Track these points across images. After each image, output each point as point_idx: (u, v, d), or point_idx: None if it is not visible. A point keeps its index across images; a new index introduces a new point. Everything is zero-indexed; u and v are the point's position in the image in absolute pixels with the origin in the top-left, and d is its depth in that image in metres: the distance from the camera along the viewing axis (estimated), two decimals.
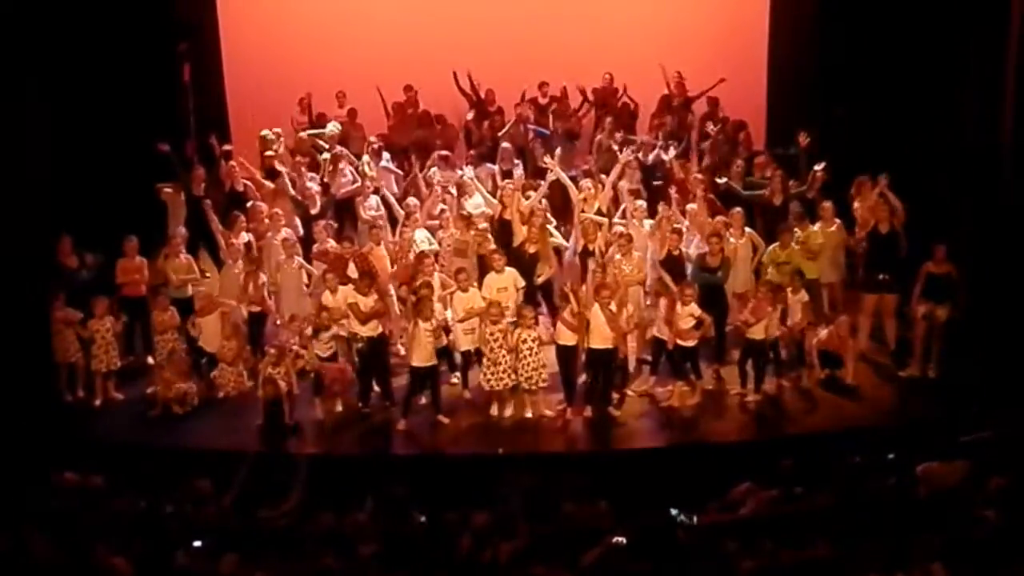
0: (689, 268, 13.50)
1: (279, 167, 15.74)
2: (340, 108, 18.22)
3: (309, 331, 12.94)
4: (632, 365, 13.26)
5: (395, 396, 12.96)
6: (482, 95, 18.31)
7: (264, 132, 16.31)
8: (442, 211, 14.77)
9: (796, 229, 14.08)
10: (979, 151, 13.17)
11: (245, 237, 14.25)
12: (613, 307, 12.39)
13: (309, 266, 14.15)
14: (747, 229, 14.21)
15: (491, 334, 12.56)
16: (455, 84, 18.20)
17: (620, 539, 8.77)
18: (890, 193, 13.72)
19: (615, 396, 12.79)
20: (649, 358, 13.27)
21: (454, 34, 18.95)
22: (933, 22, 14.26)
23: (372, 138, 16.89)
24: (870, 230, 13.68)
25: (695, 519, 9.87)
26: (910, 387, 13.35)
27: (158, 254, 14.21)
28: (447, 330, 12.96)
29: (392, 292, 13.85)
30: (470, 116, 18.21)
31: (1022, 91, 12.46)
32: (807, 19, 17.74)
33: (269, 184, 15.61)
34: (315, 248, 14.34)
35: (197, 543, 9.16)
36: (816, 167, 14.83)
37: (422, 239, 14.02)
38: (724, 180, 15.12)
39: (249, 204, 15.19)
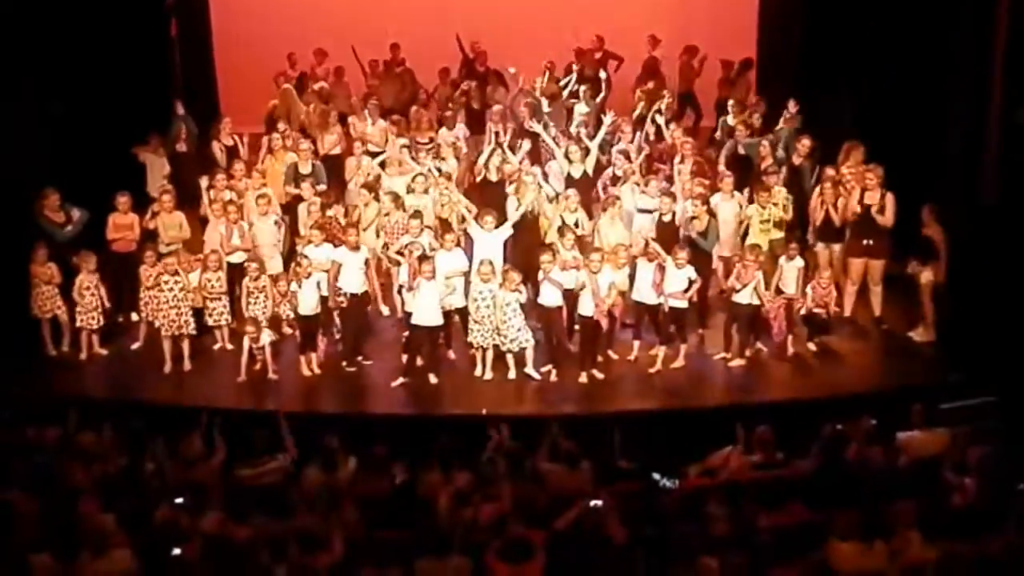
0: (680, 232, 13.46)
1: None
2: (319, 66, 18.15)
3: (293, 287, 12.90)
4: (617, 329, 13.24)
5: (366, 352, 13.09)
6: (470, 55, 18.21)
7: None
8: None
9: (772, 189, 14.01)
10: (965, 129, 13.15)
11: (228, 194, 14.18)
12: (599, 276, 12.44)
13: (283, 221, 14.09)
14: (736, 193, 14.14)
15: (479, 292, 12.57)
16: (458, 46, 18.13)
17: (597, 501, 8.82)
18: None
19: (599, 359, 12.85)
20: (631, 322, 13.27)
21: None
22: (920, 18, 14.18)
23: (374, 100, 16.83)
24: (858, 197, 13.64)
25: (676, 483, 9.95)
26: (893, 354, 13.40)
27: (145, 211, 14.13)
28: None
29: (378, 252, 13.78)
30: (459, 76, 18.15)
31: (1009, 79, 12.43)
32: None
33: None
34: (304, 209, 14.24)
35: (179, 500, 9.19)
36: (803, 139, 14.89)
37: (412, 203, 13.92)
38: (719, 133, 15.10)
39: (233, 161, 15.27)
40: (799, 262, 13.11)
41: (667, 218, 13.44)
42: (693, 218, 13.30)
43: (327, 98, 17.30)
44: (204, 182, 14.37)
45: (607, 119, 15.28)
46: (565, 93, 17.24)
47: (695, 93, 18.82)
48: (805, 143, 14.86)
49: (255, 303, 13.02)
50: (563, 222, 13.37)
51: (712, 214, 13.45)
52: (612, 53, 18.63)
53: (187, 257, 13.42)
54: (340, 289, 12.80)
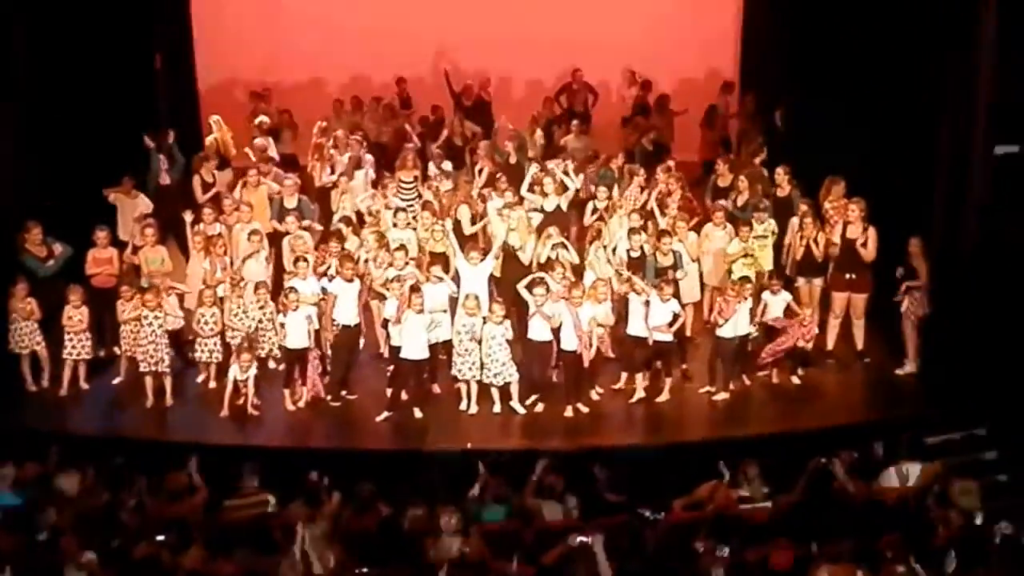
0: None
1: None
2: (269, 105, 18.33)
3: (280, 319, 12.86)
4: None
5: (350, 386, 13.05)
6: (457, 90, 18.32)
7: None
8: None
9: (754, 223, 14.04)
10: (951, 148, 13.22)
11: (216, 228, 14.15)
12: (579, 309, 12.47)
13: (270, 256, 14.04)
14: (727, 224, 14.15)
15: (463, 325, 12.56)
16: (446, 82, 18.25)
17: (585, 537, 8.79)
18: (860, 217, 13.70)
19: (589, 394, 12.88)
20: (612, 355, 13.26)
21: (424, 27, 19.01)
22: (904, 55, 14.31)
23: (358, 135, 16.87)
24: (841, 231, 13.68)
25: (663, 515, 9.94)
26: (877, 387, 13.43)
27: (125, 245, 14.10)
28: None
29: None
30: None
31: (995, 90, 12.53)
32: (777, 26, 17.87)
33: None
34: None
35: (160, 537, 9.13)
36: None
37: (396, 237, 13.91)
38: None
39: (222, 196, 15.20)
40: (786, 296, 13.15)
41: (635, 253, 13.44)
42: (656, 250, 13.32)
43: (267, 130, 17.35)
44: (188, 216, 14.29)
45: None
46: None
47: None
48: (780, 172, 14.91)
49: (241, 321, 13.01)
50: (549, 257, 13.41)
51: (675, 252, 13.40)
52: (589, 86, 18.71)
53: (165, 285, 13.38)
54: (335, 321, 12.77)
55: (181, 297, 13.45)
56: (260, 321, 13.26)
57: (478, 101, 18.47)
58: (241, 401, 12.75)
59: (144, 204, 14.86)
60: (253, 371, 12.69)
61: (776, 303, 13.04)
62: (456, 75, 18.51)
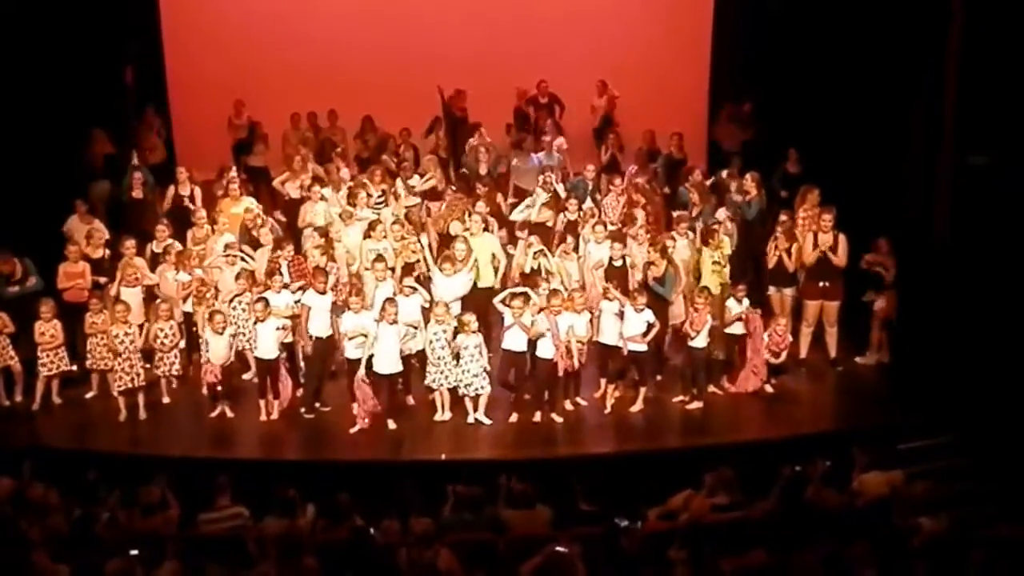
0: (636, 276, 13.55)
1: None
2: (238, 118, 18.36)
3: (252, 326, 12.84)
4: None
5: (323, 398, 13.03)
6: (447, 100, 18.41)
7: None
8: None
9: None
10: (919, 153, 13.36)
11: (168, 242, 14.15)
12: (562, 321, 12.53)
13: (249, 265, 13.97)
14: (690, 233, 14.22)
15: (435, 334, 12.58)
16: (439, 95, 18.29)
17: (561, 548, 8.79)
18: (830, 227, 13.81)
19: (564, 404, 12.92)
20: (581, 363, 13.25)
21: (396, 42, 19.04)
22: (874, 61, 14.43)
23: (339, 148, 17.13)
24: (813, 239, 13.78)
25: (638, 524, 9.96)
26: (850, 394, 13.51)
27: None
28: None
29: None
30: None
31: (963, 89, 12.66)
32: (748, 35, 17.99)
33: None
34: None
35: (133, 551, 9.09)
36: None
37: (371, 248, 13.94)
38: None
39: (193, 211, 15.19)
40: (745, 303, 13.24)
41: (618, 263, 13.49)
42: (650, 264, 13.37)
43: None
44: (163, 231, 14.28)
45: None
46: None
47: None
48: (748, 179, 15.02)
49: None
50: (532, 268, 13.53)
51: (670, 260, 13.48)
52: (556, 97, 18.77)
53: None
54: (309, 334, 12.80)
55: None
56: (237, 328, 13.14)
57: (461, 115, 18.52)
58: (215, 413, 12.79)
59: (99, 229, 14.57)
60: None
61: (739, 310, 13.15)
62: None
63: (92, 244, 14.16)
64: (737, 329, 13.19)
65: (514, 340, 12.65)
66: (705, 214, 14.70)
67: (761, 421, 12.98)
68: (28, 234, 14.01)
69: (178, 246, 14.08)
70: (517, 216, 15.21)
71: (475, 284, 13.53)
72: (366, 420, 12.50)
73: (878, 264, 13.72)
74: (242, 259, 13.77)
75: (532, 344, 12.66)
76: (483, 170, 16.43)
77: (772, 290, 14.11)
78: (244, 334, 13.07)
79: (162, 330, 13.00)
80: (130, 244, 13.88)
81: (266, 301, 12.76)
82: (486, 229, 14.10)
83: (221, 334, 12.74)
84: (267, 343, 12.69)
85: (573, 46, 19.05)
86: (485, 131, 17.42)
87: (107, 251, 14.22)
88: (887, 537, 9.24)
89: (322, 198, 15.32)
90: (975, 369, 12.45)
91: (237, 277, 13.38)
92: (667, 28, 19.34)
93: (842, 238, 13.59)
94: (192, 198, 15.58)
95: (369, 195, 15.17)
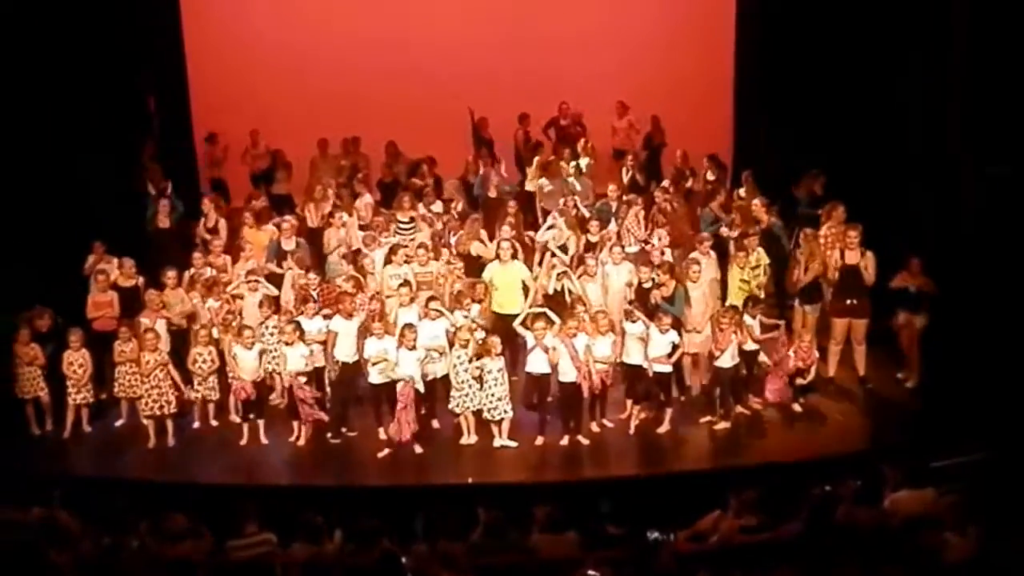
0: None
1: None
2: (255, 147, 18.58)
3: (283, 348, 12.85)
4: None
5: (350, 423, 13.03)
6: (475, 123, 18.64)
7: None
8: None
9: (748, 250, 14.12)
10: (931, 159, 13.35)
11: (208, 271, 14.25)
12: (580, 343, 12.52)
13: (272, 293, 14.02)
14: (711, 252, 14.24)
15: (458, 358, 12.59)
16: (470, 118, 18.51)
17: (593, 572, 8.75)
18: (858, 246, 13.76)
19: (590, 426, 12.90)
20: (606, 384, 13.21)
21: (417, 68, 19.22)
22: (877, 35, 14.43)
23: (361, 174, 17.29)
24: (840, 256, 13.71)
25: (670, 537, 9.90)
26: (880, 413, 13.41)
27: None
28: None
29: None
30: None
31: (968, 95, 12.64)
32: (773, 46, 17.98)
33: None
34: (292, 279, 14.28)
35: None
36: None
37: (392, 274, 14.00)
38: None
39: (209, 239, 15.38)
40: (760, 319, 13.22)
41: (647, 284, 13.48)
42: (660, 285, 13.34)
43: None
44: (199, 259, 14.42)
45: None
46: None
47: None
48: (758, 204, 15.01)
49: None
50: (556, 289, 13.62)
51: (678, 279, 13.46)
52: (578, 119, 18.84)
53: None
54: (336, 359, 12.84)
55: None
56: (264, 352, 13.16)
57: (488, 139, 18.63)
58: (244, 441, 12.85)
59: (113, 270, 14.38)
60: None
61: (754, 326, 13.11)
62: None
63: (124, 274, 14.23)
64: (753, 345, 13.14)
65: (537, 362, 12.65)
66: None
67: (789, 441, 12.89)
68: (52, 265, 14.12)
69: (206, 273, 14.15)
70: (541, 238, 15.23)
71: (502, 311, 13.58)
72: (410, 427, 12.49)
73: (910, 284, 13.57)
74: (264, 285, 13.84)
75: (555, 367, 12.65)
76: (492, 193, 16.55)
77: (796, 306, 14.05)
78: (273, 357, 13.08)
79: (200, 354, 13.05)
80: (171, 275, 13.93)
81: (298, 324, 12.83)
82: (514, 256, 14.08)
83: (250, 348, 12.78)
84: (294, 366, 12.72)
85: (596, 68, 19.11)
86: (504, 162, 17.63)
87: (140, 279, 14.26)
88: (918, 556, 9.16)
89: (343, 224, 15.38)
90: (1007, 385, 12.35)
91: (260, 304, 13.44)
92: (690, 48, 19.48)
93: (869, 255, 13.53)
94: (215, 229, 15.68)
95: (400, 222, 15.25)
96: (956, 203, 12.99)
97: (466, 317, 13.03)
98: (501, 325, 13.37)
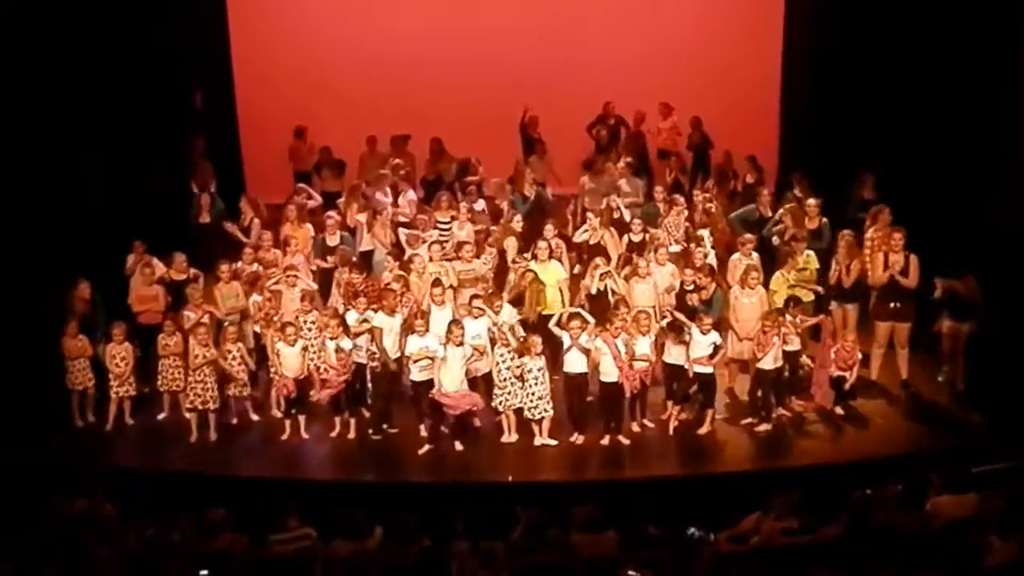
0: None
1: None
2: (302, 146, 18.72)
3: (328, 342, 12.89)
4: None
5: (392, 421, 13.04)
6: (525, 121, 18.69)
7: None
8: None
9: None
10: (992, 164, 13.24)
11: (254, 267, 14.33)
12: (621, 343, 12.49)
13: (311, 288, 14.10)
14: (754, 254, 14.23)
15: (500, 356, 12.61)
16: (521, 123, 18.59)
17: (633, 572, 8.75)
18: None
19: (631, 425, 12.86)
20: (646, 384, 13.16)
21: (465, 65, 19.29)
22: (929, 33, 14.32)
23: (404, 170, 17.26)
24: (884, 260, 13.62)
25: (711, 537, 9.89)
26: (922, 417, 13.30)
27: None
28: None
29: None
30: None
31: None
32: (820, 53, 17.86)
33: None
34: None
35: (203, 572, 9.16)
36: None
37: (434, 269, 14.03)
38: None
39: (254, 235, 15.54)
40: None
41: (689, 287, 13.45)
42: (701, 288, 13.31)
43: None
44: (249, 256, 14.54)
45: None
46: None
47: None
48: (811, 203, 14.93)
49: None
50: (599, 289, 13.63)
51: (718, 283, 13.43)
52: (621, 118, 18.83)
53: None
54: (375, 354, 12.88)
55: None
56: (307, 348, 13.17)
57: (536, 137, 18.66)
58: (285, 436, 12.91)
59: (158, 266, 14.37)
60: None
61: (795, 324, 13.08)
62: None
63: (175, 268, 14.36)
64: (796, 346, 13.09)
65: (574, 362, 12.64)
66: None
67: (831, 444, 12.80)
68: (102, 258, 14.25)
69: (250, 269, 14.25)
70: (578, 238, 15.21)
71: (542, 312, 13.61)
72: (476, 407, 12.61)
73: (963, 296, 13.46)
74: (303, 280, 13.96)
75: (596, 367, 12.64)
76: (528, 192, 16.53)
77: (834, 305, 13.96)
78: (314, 352, 13.14)
79: (229, 351, 13.11)
80: (225, 268, 14.02)
81: (343, 319, 12.90)
82: (551, 255, 14.07)
83: (293, 345, 12.84)
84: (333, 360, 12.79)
85: (645, 67, 19.11)
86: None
87: (192, 271, 14.39)
88: (959, 559, 9.10)
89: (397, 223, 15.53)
90: None
91: (302, 299, 13.52)
92: (738, 48, 19.39)
93: (913, 259, 13.43)
94: (248, 230, 15.80)
95: (439, 222, 15.30)
96: (1010, 208, 12.84)
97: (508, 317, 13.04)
98: (540, 325, 13.37)
